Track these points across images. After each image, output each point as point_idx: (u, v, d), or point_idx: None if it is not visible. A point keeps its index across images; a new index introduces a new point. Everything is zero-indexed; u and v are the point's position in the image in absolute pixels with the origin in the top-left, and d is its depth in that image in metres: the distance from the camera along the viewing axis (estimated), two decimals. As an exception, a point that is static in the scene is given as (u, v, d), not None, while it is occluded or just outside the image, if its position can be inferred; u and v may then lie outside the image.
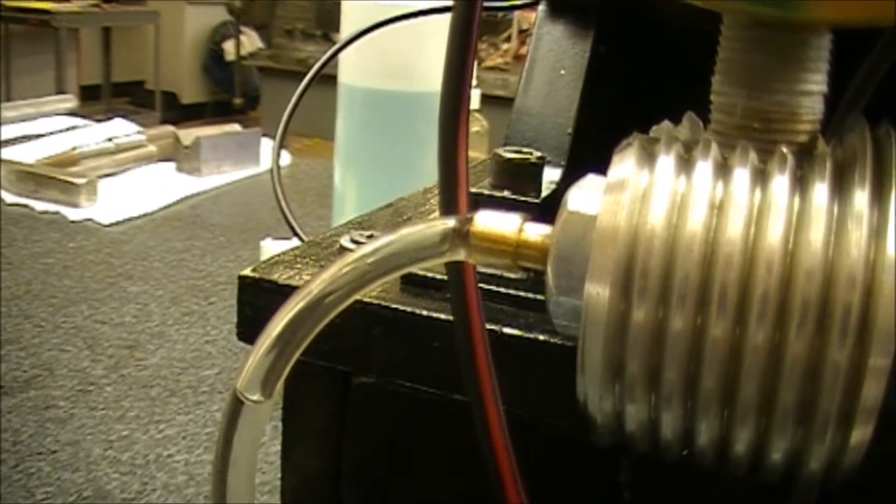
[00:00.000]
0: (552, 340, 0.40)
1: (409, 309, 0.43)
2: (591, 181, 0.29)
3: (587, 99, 0.55)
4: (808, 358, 0.23)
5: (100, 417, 0.99)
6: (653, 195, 0.26)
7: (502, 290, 0.44)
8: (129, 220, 1.69)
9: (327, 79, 1.71)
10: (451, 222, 0.30)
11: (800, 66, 0.28)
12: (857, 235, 0.24)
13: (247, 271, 0.48)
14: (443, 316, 0.42)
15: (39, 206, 1.78)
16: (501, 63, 5.09)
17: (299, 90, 0.88)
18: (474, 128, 1.59)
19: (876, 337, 0.22)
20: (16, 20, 4.90)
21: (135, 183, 1.95)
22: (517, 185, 0.48)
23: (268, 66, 5.53)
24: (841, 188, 0.25)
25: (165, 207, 1.78)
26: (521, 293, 0.43)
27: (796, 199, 0.25)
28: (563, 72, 0.54)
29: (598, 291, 0.26)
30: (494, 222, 0.30)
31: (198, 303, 1.29)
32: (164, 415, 0.99)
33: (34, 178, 1.86)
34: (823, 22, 0.28)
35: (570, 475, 0.44)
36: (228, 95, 6.38)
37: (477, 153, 1.60)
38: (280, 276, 0.47)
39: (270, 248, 1.33)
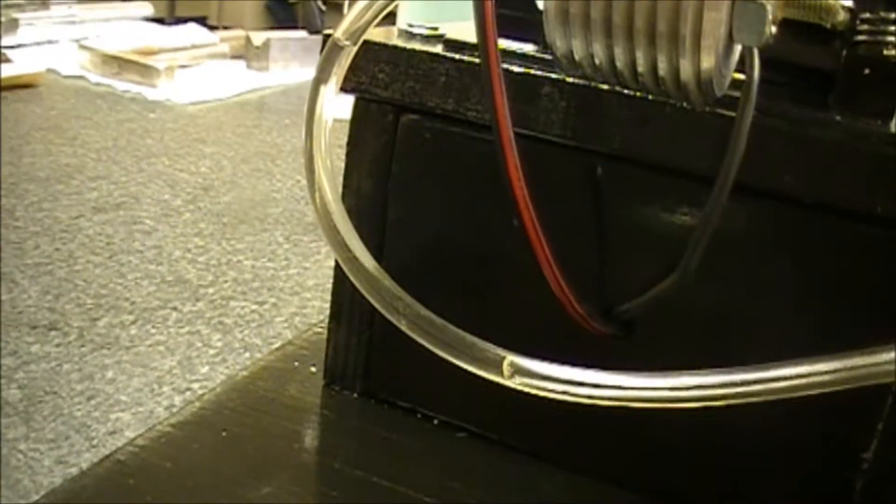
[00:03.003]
0: (548, 75, 0.55)
1: (445, 54, 0.58)
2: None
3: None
4: (672, 0, 0.38)
5: (180, 233, 1.16)
6: None
7: (518, 52, 0.59)
8: (204, 101, 1.85)
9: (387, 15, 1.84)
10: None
11: None
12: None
13: (330, 31, 0.63)
14: (468, 59, 0.57)
15: (121, 86, 1.95)
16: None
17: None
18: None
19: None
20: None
21: (209, 74, 2.11)
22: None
23: (334, 0, 5.64)
24: None
25: (236, 95, 1.95)
26: (532, 53, 0.58)
27: None
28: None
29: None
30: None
31: (265, 163, 1.46)
32: (234, 234, 1.16)
33: (117, 62, 2.03)
34: None
35: (561, 176, 0.58)
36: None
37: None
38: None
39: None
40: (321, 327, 0.85)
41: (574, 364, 0.51)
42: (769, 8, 0.38)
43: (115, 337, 0.85)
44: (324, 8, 6.14)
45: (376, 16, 0.47)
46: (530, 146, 0.53)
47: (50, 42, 2.28)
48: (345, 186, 0.61)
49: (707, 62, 0.39)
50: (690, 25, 0.38)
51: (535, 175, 0.51)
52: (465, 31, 0.64)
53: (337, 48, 0.47)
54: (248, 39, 2.22)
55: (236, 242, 1.07)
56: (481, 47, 0.47)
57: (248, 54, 2.19)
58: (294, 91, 1.93)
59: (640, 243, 0.58)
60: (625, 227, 0.59)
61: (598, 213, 0.57)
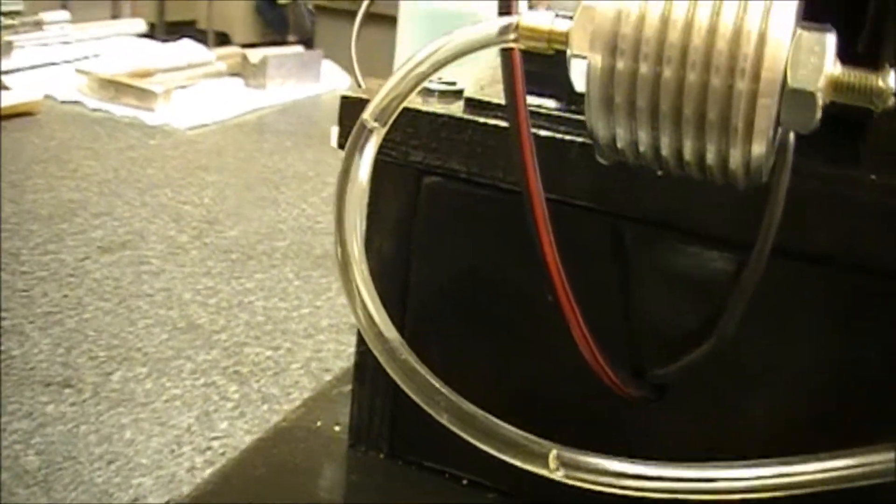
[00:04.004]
0: (575, 139, 0.54)
1: (468, 117, 0.57)
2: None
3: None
4: (724, 89, 0.37)
5: (188, 272, 1.14)
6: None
7: (543, 111, 0.57)
8: (203, 125, 1.84)
9: (386, 20, 1.82)
10: (505, 20, 0.44)
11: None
12: (756, 12, 0.37)
13: (346, 92, 0.62)
14: (493, 122, 0.56)
15: (119, 111, 1.93)
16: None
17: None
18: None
19: (764, 75, 0.36)
20: (72, -44, 4.99)
21: (206, 95, 2.09)
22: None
23: (323, 4, 5.63)
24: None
25: (235, 117, 1.94)
26: (557, 113, 0.57)
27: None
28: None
29: (595, 52, 0.40)
30: (536, 17, 0.43)
31: (269, 191, 1.45)
32: (243, 272, 1.15)
33: (114, 86, 2.01)
34: None
35: (591, 241, 0.57)
36: (280, 36, 6.48)
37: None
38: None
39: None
40: (338, 379, 0.84)
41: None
42: (819, 95, 0.37)
43: (130, 392, 0.84)
44: (314, 11, 6.11)
45: (406, 95, 0.46)
46: (560, 210, 0.53)
47: (45, 65, 2.26)
48: (366, 248, 0.61)
49: (758, 150, 0.38)
50: (743, 114, 0.37)
51: (564, 239, 0.51)
52: (483, 83, 0.63)
53: (366, 131, 0.46)
54: (244, 57, 2.21)
55: (245, 281, 1.06)
56: (511, 125, 0.46)
57: (245, 72, 2.18)
58: (292, 109, 1.92)
59: (673, 307, 0.58)
60: (657, 290, 0.58)
61: (630, 276, 0.57)
